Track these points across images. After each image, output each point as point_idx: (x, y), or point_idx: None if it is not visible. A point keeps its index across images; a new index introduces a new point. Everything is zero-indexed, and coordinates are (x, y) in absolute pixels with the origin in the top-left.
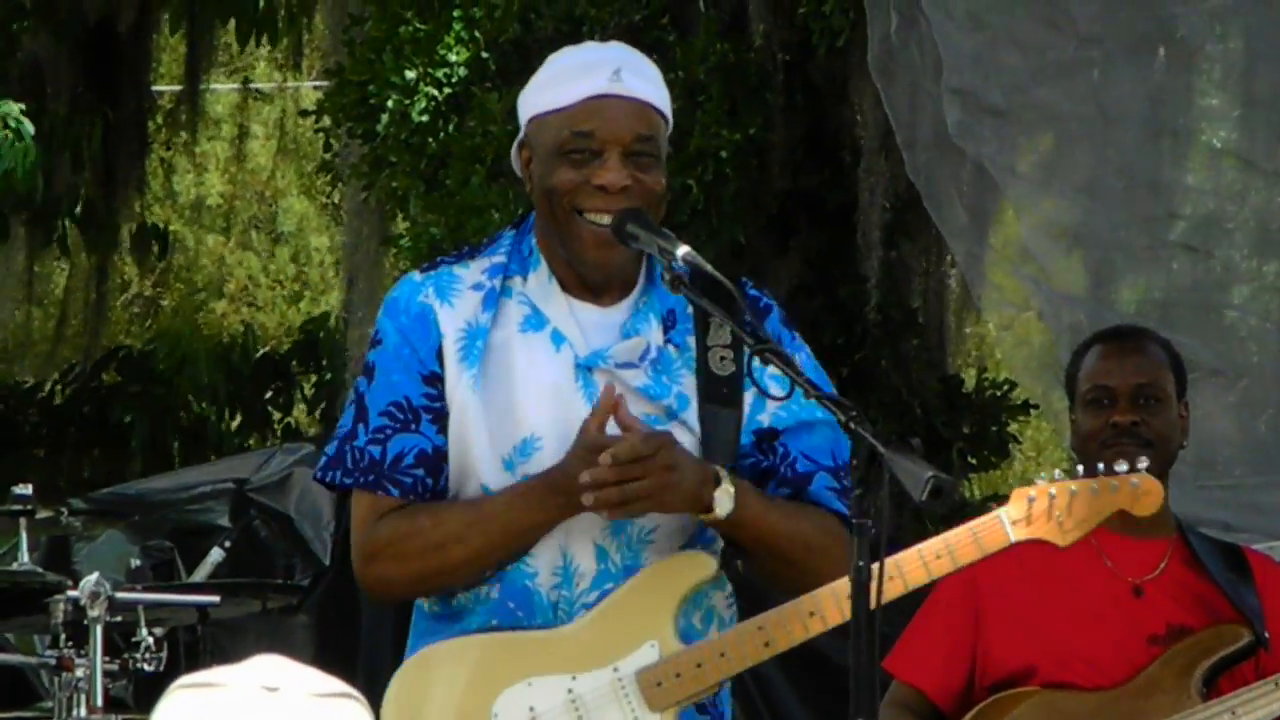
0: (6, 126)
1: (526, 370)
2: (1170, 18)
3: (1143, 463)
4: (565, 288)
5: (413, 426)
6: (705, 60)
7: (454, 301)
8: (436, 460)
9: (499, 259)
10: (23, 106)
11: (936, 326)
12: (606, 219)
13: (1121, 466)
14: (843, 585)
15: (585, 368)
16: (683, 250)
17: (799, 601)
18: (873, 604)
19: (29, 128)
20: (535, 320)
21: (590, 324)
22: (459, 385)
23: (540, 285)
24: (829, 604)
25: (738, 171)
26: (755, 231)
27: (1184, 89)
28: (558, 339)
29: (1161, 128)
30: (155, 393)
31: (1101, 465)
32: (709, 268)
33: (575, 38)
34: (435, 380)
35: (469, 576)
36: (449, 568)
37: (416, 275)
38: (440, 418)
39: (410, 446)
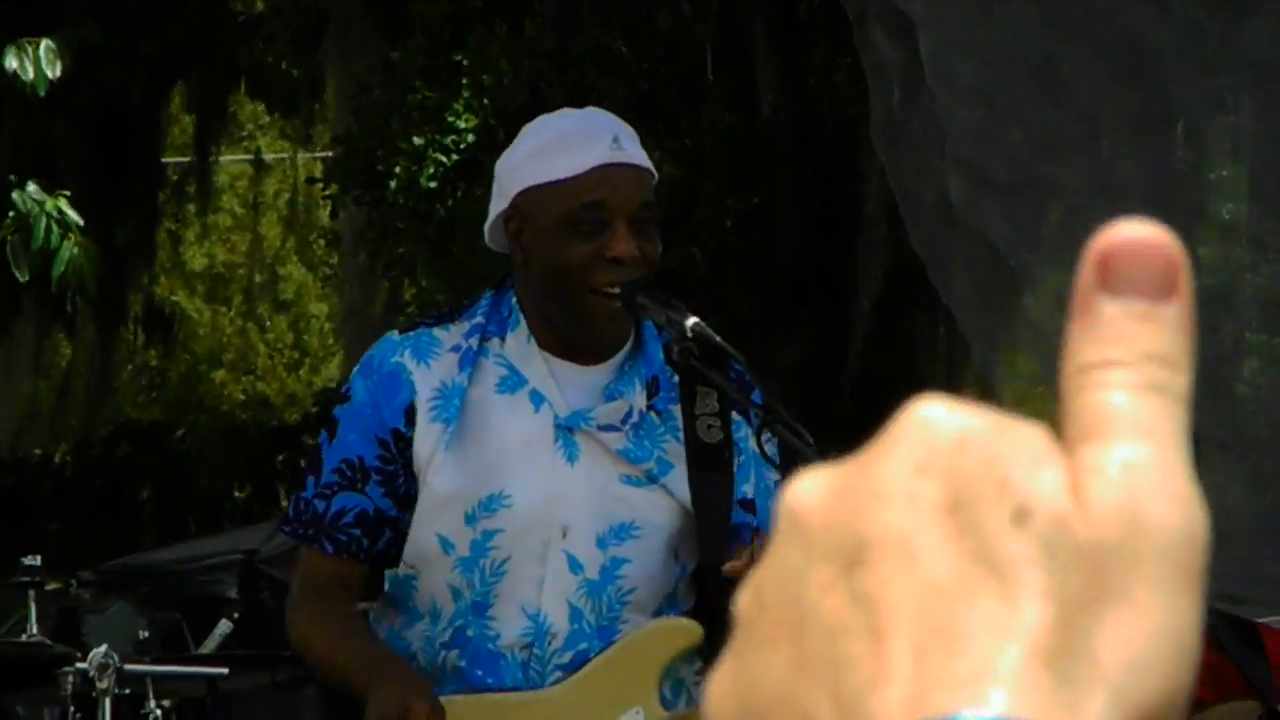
0: (55, 221)
1: (501, 429)
2: (1176, 93)
3: None
4: (544, 346)
5: (359, 486)
6: (712, 130)
7: (431, 363)
8: (377, 522)
9: (478, 320)
10: (68, 194)
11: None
12: (618, 290)
13: None
14: None
15: (565, 428)
16: (691, 321)
17: None
18: None
19: (76, 219)
20: (513, 380)
21: (570, 383)
22: (428, 441)
23: (519, 345)
24: None
25: (743, 241)
26: (764, 302)
27: (1192, 163)
28: (537, 399)
29: (1170, 202)
30: (168, 467)
31: None
32: (718, 339)
33: (583, 106)
34: (398, 439)
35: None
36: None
37: (395, 335)
38: (390, 480)
39: (352, 505)
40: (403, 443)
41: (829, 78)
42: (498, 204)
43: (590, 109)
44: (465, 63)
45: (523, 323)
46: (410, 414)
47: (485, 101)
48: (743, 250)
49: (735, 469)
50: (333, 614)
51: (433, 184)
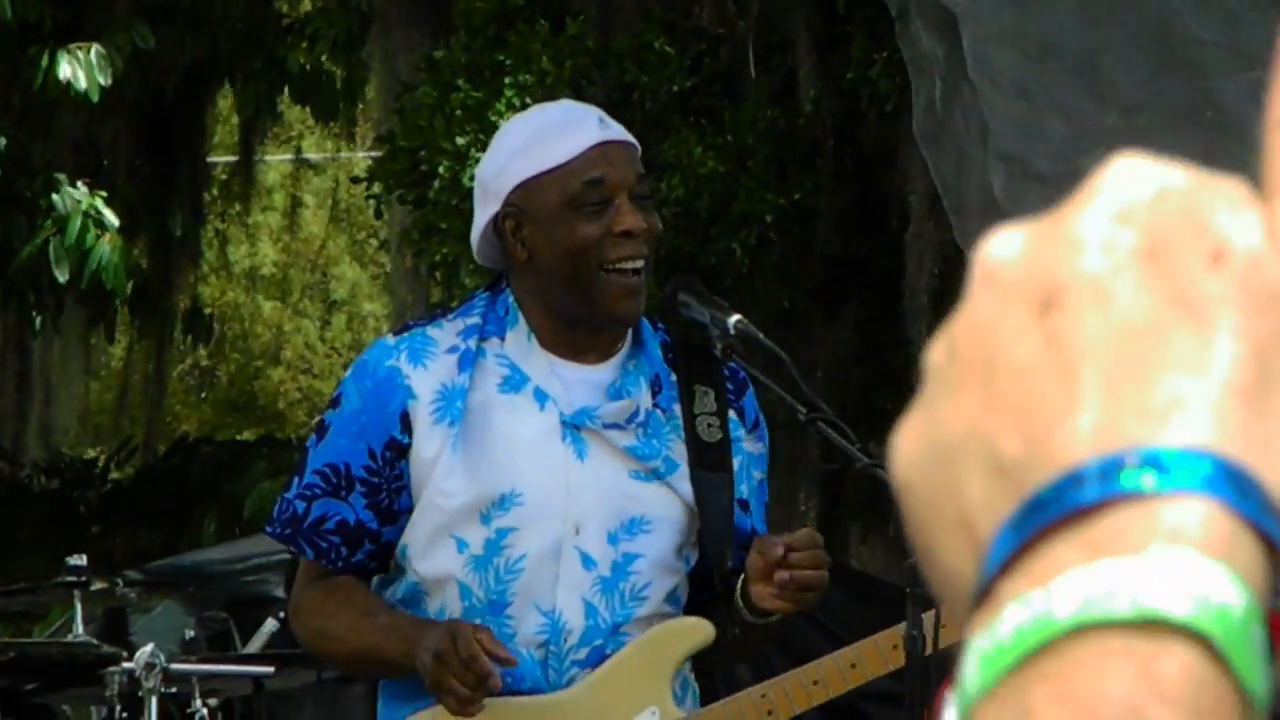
0: (90, 220)
1: (508, 428)
2: (1213, 89)
3: None
4: (545, 345)
5: (342, 494)
6: (755, 126)
7: (428, 364)
8: (357, 532)
9: (474, 320)
10: (104, 194)
11: None
12: (634, 264)
13: None
14: (847, 652)
15: (572, 425)
16: (734, 319)
17: (802, 670)
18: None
19: (112, 220)
20: (515, 380)
21: (573, 381)
22: (432, 444)
23: (519, 344)
24: (795, 684)
25: (783, 236)
26: (803, 297)
27: (1228, 159)
28: (541, 397)
29: None
30: (218, 478)
31: None
32: (761, 336)
33: (626, 105)
34: (393, 447)
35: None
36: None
37: (390, 338)
38: (374, 492)
39: (334, 512)
40: (397, 451)
41: (866, 73)
42: (487, 210)
43: (561, 100)
44: (508, 61)
45: (521, 321)
46: (406, 420)
47: (528, 101)
48: (783, 245)
49: (735, 468)
50: (346, 601)
51: None
